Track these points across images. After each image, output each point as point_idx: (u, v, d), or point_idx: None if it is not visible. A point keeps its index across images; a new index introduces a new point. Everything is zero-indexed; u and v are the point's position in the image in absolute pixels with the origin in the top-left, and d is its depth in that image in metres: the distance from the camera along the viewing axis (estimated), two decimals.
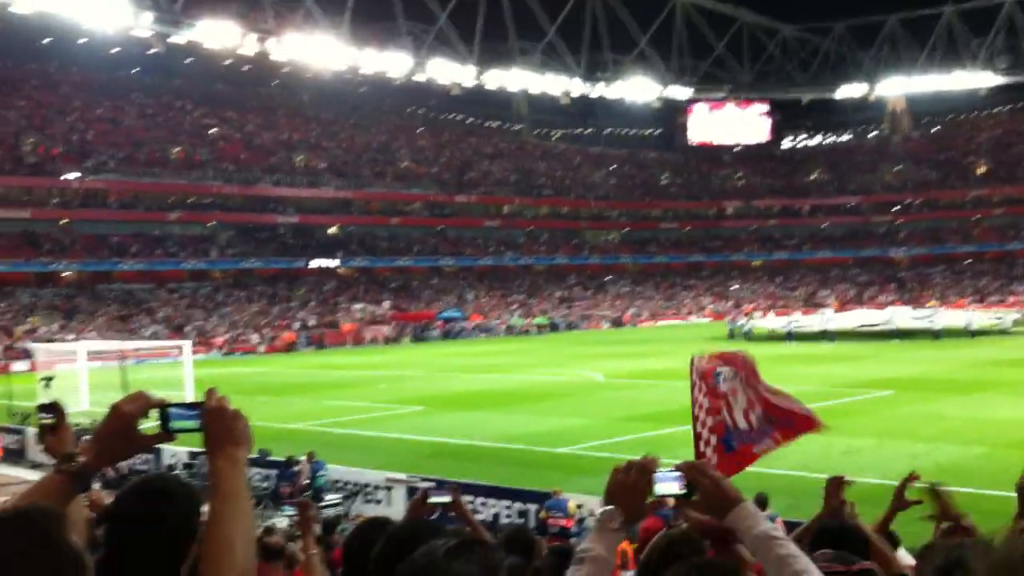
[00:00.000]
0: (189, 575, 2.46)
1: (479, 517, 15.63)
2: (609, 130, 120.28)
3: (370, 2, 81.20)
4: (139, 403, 2.47)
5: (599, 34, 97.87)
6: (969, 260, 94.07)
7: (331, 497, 18.10)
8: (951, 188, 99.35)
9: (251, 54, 78.40)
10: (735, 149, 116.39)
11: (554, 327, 78.96)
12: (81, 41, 77.41)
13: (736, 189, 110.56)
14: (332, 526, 13.19)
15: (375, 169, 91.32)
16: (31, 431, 23.98)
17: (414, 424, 28.35)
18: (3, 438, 25.79)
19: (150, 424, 2.52)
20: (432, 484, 16.78)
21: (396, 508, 17.33)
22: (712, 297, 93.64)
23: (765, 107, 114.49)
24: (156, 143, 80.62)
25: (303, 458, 19.06)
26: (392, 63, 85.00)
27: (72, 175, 71.90)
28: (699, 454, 7.01)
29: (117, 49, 79.94)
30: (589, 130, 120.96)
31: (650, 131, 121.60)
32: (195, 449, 19.37)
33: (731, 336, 60.94)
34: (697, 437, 8.01)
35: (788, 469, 19.83)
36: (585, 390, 35.51)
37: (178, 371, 31.62)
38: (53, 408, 2.81)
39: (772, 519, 12.30)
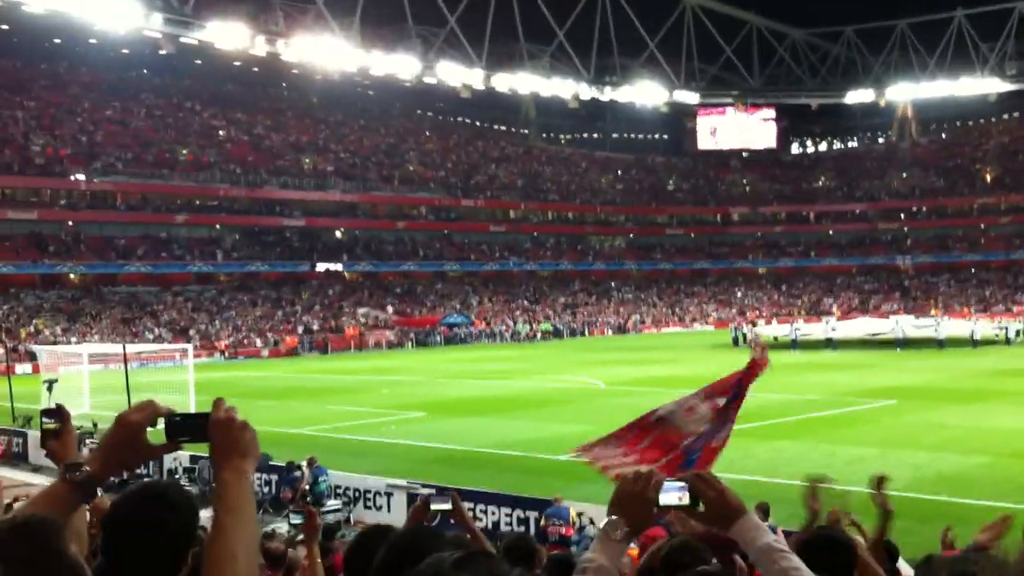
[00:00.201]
0: None
1: (479, 524, 15.62)
2: (617, 135, 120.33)
3: (380, 4, 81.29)
4: (146, 412, 2.47)
5: (608, 38, 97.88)
6: (975, 269, 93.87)
7: (331, 503, 18.09)
8: (958, 195, 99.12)
9: (261, 55, 78.52)
10: (743, 154, 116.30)
11: (557, 333, 78.90)
12: (91, 41, 77.62)
13: (743, 195, 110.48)
14: (332, 532, 13.18)
15: (382, 172, 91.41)
16: (33, 434, 24.00)
17: (415, 430, 28.34)
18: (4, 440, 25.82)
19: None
20: (432, 490, 16.79)
21: (396, 514, 17.33)
22: (716, 304, 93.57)
23: (773, 112, 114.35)
24: (164, 144, 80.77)
25: (304, 463, 19.06)
26: (401, 65, 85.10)
27: (80, 176, 72.05)
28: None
29: (127, 50, 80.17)
30: (596, 135, 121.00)
31: (658, 136, 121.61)
32: (196, 453, 19.38)
33: (735, 344, 60.88)
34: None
35: (790, 479, 19.79)
36: (586, 397, 35.47)
37: (181, 375, 31.62)
38: (57, 413, 2.82)
39: (773, 529, 12.25)
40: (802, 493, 4.70)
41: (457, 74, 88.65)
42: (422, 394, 37.56)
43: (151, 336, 61.78)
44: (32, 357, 48.90)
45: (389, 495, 17.97)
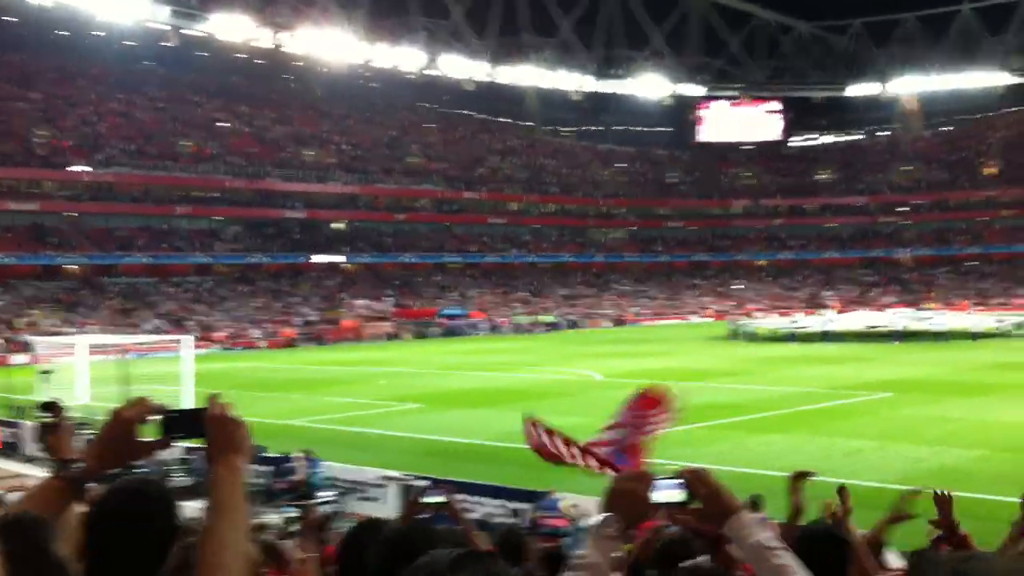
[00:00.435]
0: None
1: (472, 516, 15.60)
2: (620, 127, 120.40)
3: None
4: (140, 409, 2.46)
5: (613, 31, 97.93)
6: (975, 262, 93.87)
7: (325, 494, 18.07)
8: (961, 189, 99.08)
9: (265, 47, 78.67)
10: (745, 147, 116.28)
11: (554, 326, 78.82)
12: (97, 33, 77.70)
13: (745, 188, 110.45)
14: (325, 523, 13.14)
15: (384, 165, 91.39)
16: (27, 425, 23.98)
17: (412, 422, 28.34)
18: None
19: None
20: (428, 482, 16.76)
21: (390, 506, 17.31)
22: (715, 297, 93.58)
23: (777, 105, 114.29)
24: (168, 136, 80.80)
25: (299, 455, 19.05)
26: (405, 58, 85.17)
27: (82, 168, 72.07)
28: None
29: (132, 42, 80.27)
30: (600, 127, 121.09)
31: (661, 129, 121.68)
32: (192, 445, 19.32)
33: (733, 336, 60.96)
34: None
35: (785, 471, 19.78)
36: (583, 389, 35.49)
37: (178, 366, 31.64)
38: (53, 407, 2.79)
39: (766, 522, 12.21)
40: (785, 487, 4.65)
41: (461, 67, 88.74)
42: (419, 386, 37.61)
43: (149, 327, 61.77)
44: (27, 348, 48.89)
45: (383, 487, 17.94)
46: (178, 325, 62.87)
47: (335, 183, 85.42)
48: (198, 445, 2.40)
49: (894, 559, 6.88)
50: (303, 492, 17.82)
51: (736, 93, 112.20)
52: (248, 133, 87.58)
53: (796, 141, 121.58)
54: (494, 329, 76.82)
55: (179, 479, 18.58)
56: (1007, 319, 58.93)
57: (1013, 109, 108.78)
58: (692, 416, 27.19)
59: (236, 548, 2.27)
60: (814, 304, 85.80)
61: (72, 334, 49.54)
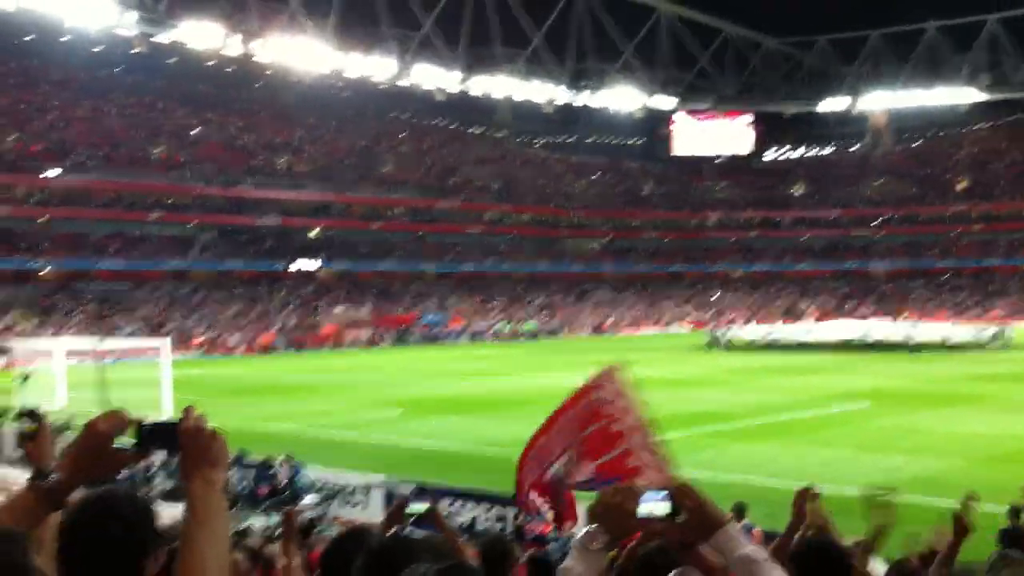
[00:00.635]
0: None
1: (456, 521, 15.63)
2: (592, 139, 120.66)
3: (356, 6, 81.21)
4: (115, 421, 2.44)
5: (584, 43, 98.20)
6: (947, 275, 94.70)
7: (309, 498, 18.04)
8: (931, 204, 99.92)
9: (235, 55, 78.22)
10: (717, 160, 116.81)
11: (535, 334, 78.74)
12: (64, 39, 77.01)
13: (718, 200, 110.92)
14: (309, 528, 13.14)
15: (358, 173, 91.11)
16: (6, 429, 23.77)
17: (393, 428, 28.29)
18: None
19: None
20: (412, 488, 16.76)
21: (374, 510, 17.29)
22: (693, 307, 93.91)
23: (749, 119, 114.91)
24: (137, 143, 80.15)
25: (280, 459, 19.01)
26: (377, 67, 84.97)
27: (52, 173, 71.41)
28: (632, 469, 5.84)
29: (100, 47, 79.62)
30: (572, 138, 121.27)
31: (633, 141, 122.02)
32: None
33: (711, 346, 61.18)
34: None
35: (765, 478, 19.94)
36: (563, 396, 35.41)
37: (156, 371, 31.44)
38: (33, 414, 2.78)
39: (749, 529, 12.32)
40: (795, 499, 4.66)
41: (433, 77, 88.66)
42: (400, 392, 37.52)
43: (126, 332, 61.31)
44: (3, 352, 48.45)
45: (367, 491, 17.93)
46: (155, 330, 62.48)
47: (309, 191, 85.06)
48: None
49: (878, 567, 7.00)
50: (286, 496, 17.81)
51: (707, 106, 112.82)
52: (218, 141, 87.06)
53: (767, 155, 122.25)
54: (475, 336, 76.76)
55: (161, 482, 18.53)
56: (982, 331, 59.41)
57: (981, 126, 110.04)
58: (672, 424, 27.29)
59: (216, 562, 2.25)
60: (792, 315, 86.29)
61: (48, 338, 49.18)
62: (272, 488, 18.34)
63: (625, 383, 6.15)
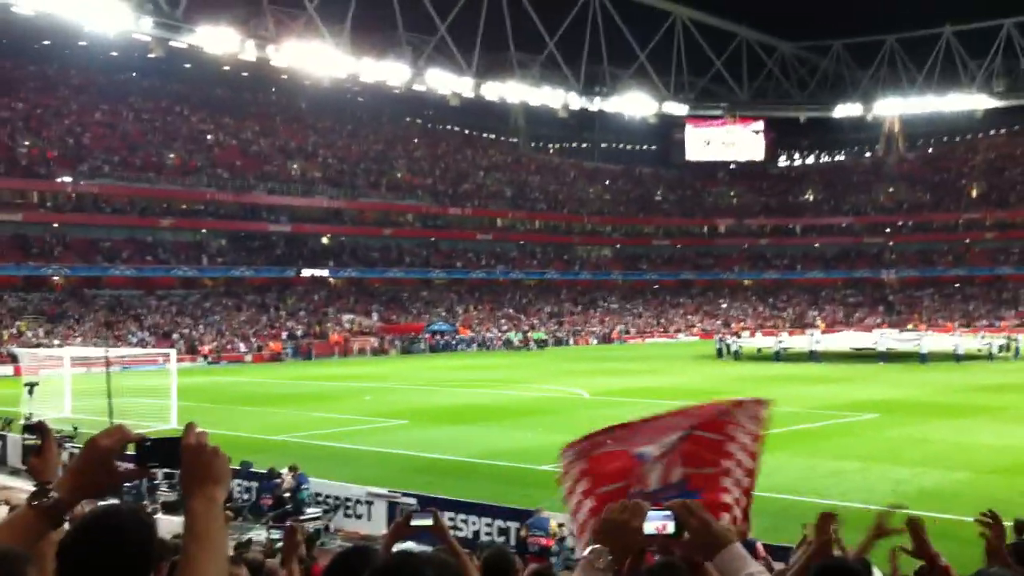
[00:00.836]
0: None
1: (460, 534, 15.59)
2: (605, 145, 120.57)
3: (371, 11, 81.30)
4: (116, 438, 2.44)
5: (598, 48, 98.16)
6: (958, 284, 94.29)
7: (312, 511, 18.00)
8: (944, 211, 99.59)
9: (250, 60, 78.46)
10: (730, 166, 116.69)
11: (541, 343, 78.53)
12: (81, 44, 77.36)
13: (730, 207, 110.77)
14: (312, 541, 13.12)
15: (370, 179, 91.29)
16: (12, 436, 23.83)
17: (398, 438, 28.27)
18: None
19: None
20: (414, 500, 16.73)
21: (376, 523, 17.27)
22: (702, 316, 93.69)
23: (762, 125, 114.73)
24: (152, 148, 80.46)
25: (285, 470, 18.97)
26: (391, 72, 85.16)
27: (66, 179, 71.72)
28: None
29: (116, 53, 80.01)
30: (585, 144, 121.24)
31: (646, 147, 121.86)
32: None
33: (719, 355, 61.02)
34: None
35: (770, 491, 19.84)
36: (570, 407, 35.44)
37: (164, 379, 31.48)
38: (39, 428, 2.77)
39: (752, 544, 12.25)
40: (818, 522, 4.59)
41: (447, 82, 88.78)
42: (405, 402, 37.51)
43: (134, 340, 61.45)
44: (13, 359, 48.63)
45: (370, 504, 17.90)
46: (164, 338, 62.61)
47: (321, 197, 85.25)
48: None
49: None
50: (290, 508, 17.78)
51: (720, 112, 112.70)
52: (233, 146, 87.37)
53: (780, 161, 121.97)
54: (483, 346, 76.66)
55: (164, 494, 18.52)
56: (992, 341, 59.14)
57: (995, 132, 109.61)
58: None
59: None
60: (801, 324, 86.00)
61: (57, 346, 49.35)
62: (276, 499, 18.29)
63: (763, 421, 5.95)
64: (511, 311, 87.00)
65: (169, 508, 16.99)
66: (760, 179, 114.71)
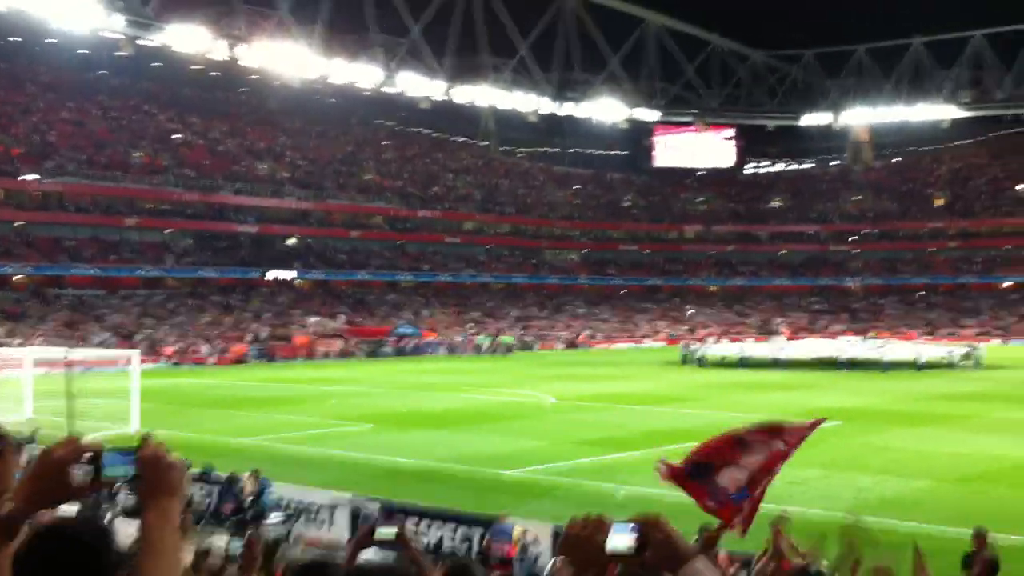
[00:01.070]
0: None
1: (423, 541, 15.52)
2: (575, 149, 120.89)
3: (344, 12, 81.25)
4: (71, 448, 2.38)
5: (570, 53, 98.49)
6: (922, 292, 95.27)
7: (274, 516, 17.84)
8: (909, 220, 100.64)
9: (220, 60, 78.02)
10: (699, 173, 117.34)
11: (496, 348, 78.44)
12: (50, 41, 76.70)
13: (698, 213, 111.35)
14: (274, 548, 12.97)
15: (339, 180, 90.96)
16: None
17: (363, 442, 28.13)
18: None
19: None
20: (377, 506, 16.64)
21: (340, 529, 17.16)
22: (668, 321, 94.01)
23: (732, 132, 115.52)
24: (119, 146, 79.82)
25: (247, 475, 18.77)
26: (362, 74, 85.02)
27: (31, 176, 70.93)
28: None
29: (86, 50, 79.36)
30: (555, 149, 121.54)
31: (616, 152, 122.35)
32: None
33: (684, 361, 61.26)
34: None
35: None
36: (536, 412, 35.44)
37: (125, 381, 31.17)
38: None
39: (715, 553, 12.26)
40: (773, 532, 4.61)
41: (418, 85, 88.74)
42: (370, 405, 37.35)
43: (96, 340, 60.77)
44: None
45: (333, 509, 17.77)
46: (126, 339, 61.96)
47: (289, 198, 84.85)
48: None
49: None
50: (252, 514, 17.60)
51: (690, 119, 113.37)
52: (201, 145, 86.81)
53: (749, 168, 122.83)
54: (452, 350, 76.50)
55: (124, 499, 18.29)
56: (954, 350, 59.74)
57: (961, 142, 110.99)
58: (643, 441, 27.30)
59: None
60: (766, 331, 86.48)
61: (18, 346, 48.70)
62: (237, 505, 18.09)
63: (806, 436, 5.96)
64: (478, 315, 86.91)
65: (130, 512, 16.79)
66: (728, 186, 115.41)
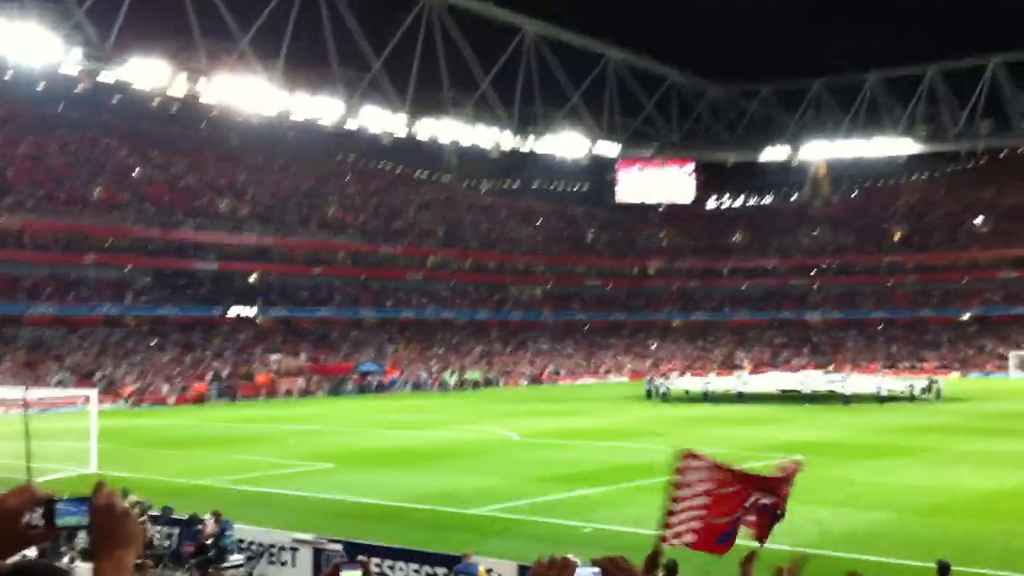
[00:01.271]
0: None
1: None
2: (538, 184, 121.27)
3: (304, 46, 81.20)
4: (24, 498, 2.35)
5: (532, 88, 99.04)
6: (882, 325, 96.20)
7: (235, 558, 17.59)
8: (867, 253, 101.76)
9: (181, 95, 77.59)
10: (661, 208, 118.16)
11: (463, 384, 78.15)
12: (6, 76, 75.95)
13: (660, 248, 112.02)
14: None
15: (301, 216, 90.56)
16: None
17: (324, 482, 27.84)
18: None
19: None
20: (339, 547, 16.45)
21: (302, 570, 16.95)
22: (631, 356, 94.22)
23: (692, 166, 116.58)
24: (78, 181, 79.00)
25: (207, 516, 18.53)
26: (324, 109, 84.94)
27: None
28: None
29: (43, 84, 78.53)
30: (518, 183, 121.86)
31: (579, 187, 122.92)
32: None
33: (648, 396, 61.35)
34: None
35: None
36: (499, 449, 35.30)
37: (84, 421, 30.72)
38: None
39: None
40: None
41: (380, 119, 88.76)
42: (331, 444, 37.04)
43: (54, 380, 59.89)
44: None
45: (295, 550, 17.55)
46: (85, 378, 61.11)
47: (250, 234, 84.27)
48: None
49: None
50: (213, 555, 17.35)
51: (651, 153, 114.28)
52: (161, 181, 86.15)
53: (709, 203, 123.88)
54: (417, 386, 76.12)
55: (82, 540, 17.98)
56: (913, 383, 60.26)
57: (917, 177, 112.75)
58: (608, 477, 27.25)
59: None
60: (729, 365, 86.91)
61: None
62: (198, 546, 17.84)
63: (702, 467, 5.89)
64: (441, 351, 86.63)
65: (87, 555, 16.48)
66: (690, 221, 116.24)
